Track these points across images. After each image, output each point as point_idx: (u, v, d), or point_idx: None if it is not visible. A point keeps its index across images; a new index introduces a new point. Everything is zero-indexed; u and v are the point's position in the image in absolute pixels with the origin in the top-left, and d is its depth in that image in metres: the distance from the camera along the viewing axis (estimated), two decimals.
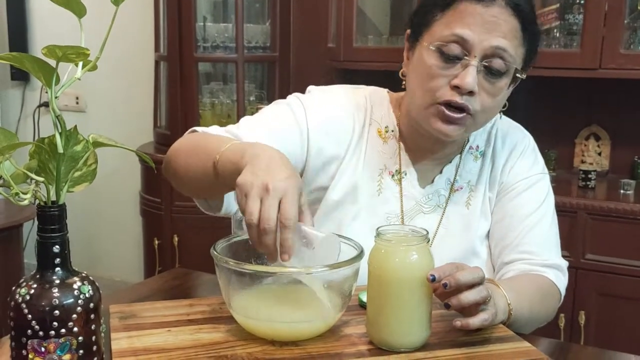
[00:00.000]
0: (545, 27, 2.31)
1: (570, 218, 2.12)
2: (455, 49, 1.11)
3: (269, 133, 1.17)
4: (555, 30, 2.30)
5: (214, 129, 1.19)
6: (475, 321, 0.96)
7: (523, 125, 1.33)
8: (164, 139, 2.81)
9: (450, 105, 1.12)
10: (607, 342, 2.08)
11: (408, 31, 1.21)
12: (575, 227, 2.12)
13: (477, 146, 1.29)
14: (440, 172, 1.27)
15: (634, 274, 2.06)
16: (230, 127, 1.20)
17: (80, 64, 0.77)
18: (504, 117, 1.30)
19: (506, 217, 1.25)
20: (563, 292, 1.25)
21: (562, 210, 2.12)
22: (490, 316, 0.97)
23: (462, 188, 1.27)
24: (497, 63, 1.11)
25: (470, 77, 1.10)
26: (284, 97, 1.28)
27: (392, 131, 1.26)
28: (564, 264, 1.26)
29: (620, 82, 2.30)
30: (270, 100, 2.77)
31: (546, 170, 1.32)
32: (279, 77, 2.76)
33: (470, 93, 1.11)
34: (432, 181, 1.27)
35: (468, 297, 0.95)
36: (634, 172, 2.36)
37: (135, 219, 3.12)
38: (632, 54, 2.16)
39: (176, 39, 2.66)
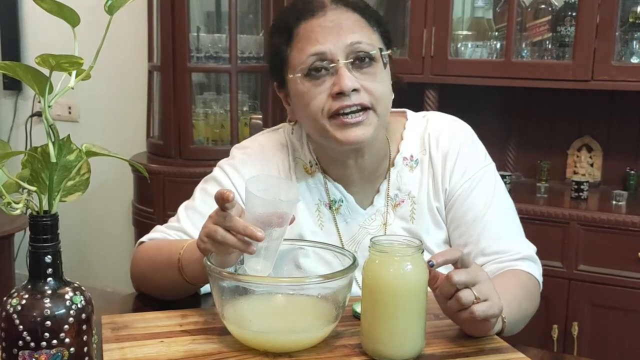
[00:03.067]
0: (537, 38, 2.32)
1: (563, 229, 2.13)
2: (318, 64, 1.14)
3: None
4: (547, 42, 2.31)
5: (160, 231, 1.26)
6: (479, 307, 0.95)
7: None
8: (157, 149, 2.80)
9: (344, 113, 1.13)
10: (600, 353, 2.08)
11: (275, 84, 1.27)
12: (567, 238, 2.12)
13: (411, 155, 1.27)
14: (378, 190, 1.27)
15: (627, 284, 2.06)
16: (172, 222, 1.27)
17: (74, 73, 0.77)
18: (435, 116, 1.30)
19: (462, 224, 1.24)
20: (540, 280, 1.24)
21: (554, 221, 2.14)
22: (492, 304, 0.96)
23: (403, 202, 1.26)
24: (361, 54, 1.14)
25: (345, 77, 1.12)
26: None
27: (316, 164, 1.27)
28: (533, 250, 1.25)
29: (612, 93, 2.32)
30: (263, 110, 2.78)
31: (488, 159, 1.29)
32: (272, 87, 2.76)
33: (355, 91, 1.12)
34: (372, 202, 1.27)
35: (467, 296, 0.95)
36: (626, 183, 2.36)
37: (127, 229, 3.11)
38: (623, 65, 2.17)
39: (170, 49, 2.66)
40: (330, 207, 1.26)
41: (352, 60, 1.13)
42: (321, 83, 1.14)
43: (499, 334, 1.05)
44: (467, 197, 1.24)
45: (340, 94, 1.12)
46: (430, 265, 0.96)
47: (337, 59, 1.13)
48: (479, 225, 1.22)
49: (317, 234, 1.25)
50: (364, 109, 1.14)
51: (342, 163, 1.24)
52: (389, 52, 1.19)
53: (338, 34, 1.14)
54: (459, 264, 0.97)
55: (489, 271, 1.18)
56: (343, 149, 1.19)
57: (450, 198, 1.25)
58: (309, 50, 1.14)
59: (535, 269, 1.23)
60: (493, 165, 1.29)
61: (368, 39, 1.15)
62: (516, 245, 1.23)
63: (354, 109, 1.13)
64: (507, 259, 1.20)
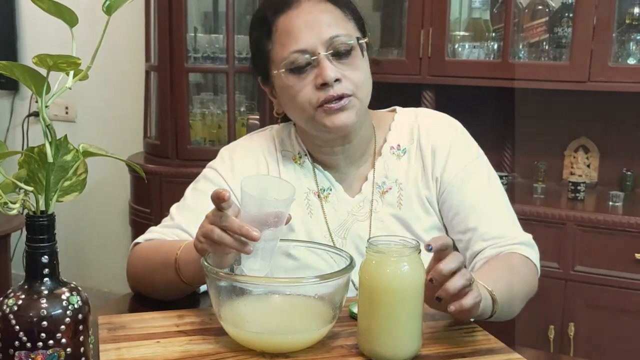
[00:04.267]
0: (534, 39, 2.33)
1: (560, 229, 2.13)
2: (301, 60, 1.18)
3: (203, 215, 1.12)
4: (544, 43, 2.31)
5: (156, 232, 1.27)
6: (467, 301, 0.94)
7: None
8: (154, 149, 2.80)
9: (329, 102, 1.18)
10: (596, 354, 2.08)
11: (259, 78, 1.30)
12: (564, 239, 2.13)
13: (398, 145, 1.30)
14: (366, 178, 1.29)
15: (623, 285, 2.07)
16: (165, 222, 1.28)
17: (71, 73, 0.77)
18: (425, 110, 1.34)
19: (460, 211, 1.25)
20: (538, 264, 1.25)
21: (551, 222, 2.15)
22: (477, 294, 0.95)
23: (391, 189, 1.28)
24: (340, 46, 1.19)
25: (327, 69, 1.17)
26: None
27: (305, 155, 1.31)
28: (529, 236, 1.27)
29: (609, 94, 2.32)
30: (260, 110, 2.78)
31: (480, 151, 1.31)
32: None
33: (337, 81, 1.17)
34: (360, 190, 1.29)
35: (455, 284, 0.93)
36: (623, 184, 2.37)
37: (124, 229, 3.10)
38: (620, 67, 2.17)
39: (167, 49, 2.66)
40: (318, 196, 1.29)
41: (331, 52, 1.18)
42: (305, 77, 1.19)
43: (490, 317, 1.05)
44: (463, 185, 1.26)
45: (324, 85, 1.17)
46: (429, 249, 0.95)
47: (318, 51, 1.18)
48: (478, 211, 1.25)
49: (306, 222, 1.27)
50: (348, 96, 1.18)
51: (329, 150, 1.28)
52: (365, 39, 1.23)
53: (318, 29, 1.19)
54: (449, 250, 0.96)
55: (489, 255, 1.21)
56: (331, 136, 1.23)
57: (445, 187, 1.27)
58: (291, 47, 1.18)
59: (533, 253, 1.25)
60: (485, 157, 1.32)
61: (345, 31, 1.20)
62: (513, 231, 1.26)
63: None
64: (505, 243, 1.22)
